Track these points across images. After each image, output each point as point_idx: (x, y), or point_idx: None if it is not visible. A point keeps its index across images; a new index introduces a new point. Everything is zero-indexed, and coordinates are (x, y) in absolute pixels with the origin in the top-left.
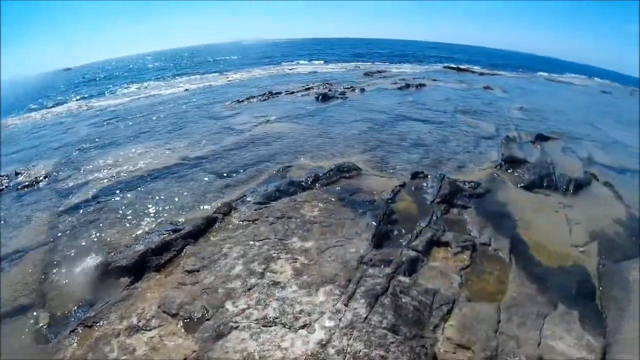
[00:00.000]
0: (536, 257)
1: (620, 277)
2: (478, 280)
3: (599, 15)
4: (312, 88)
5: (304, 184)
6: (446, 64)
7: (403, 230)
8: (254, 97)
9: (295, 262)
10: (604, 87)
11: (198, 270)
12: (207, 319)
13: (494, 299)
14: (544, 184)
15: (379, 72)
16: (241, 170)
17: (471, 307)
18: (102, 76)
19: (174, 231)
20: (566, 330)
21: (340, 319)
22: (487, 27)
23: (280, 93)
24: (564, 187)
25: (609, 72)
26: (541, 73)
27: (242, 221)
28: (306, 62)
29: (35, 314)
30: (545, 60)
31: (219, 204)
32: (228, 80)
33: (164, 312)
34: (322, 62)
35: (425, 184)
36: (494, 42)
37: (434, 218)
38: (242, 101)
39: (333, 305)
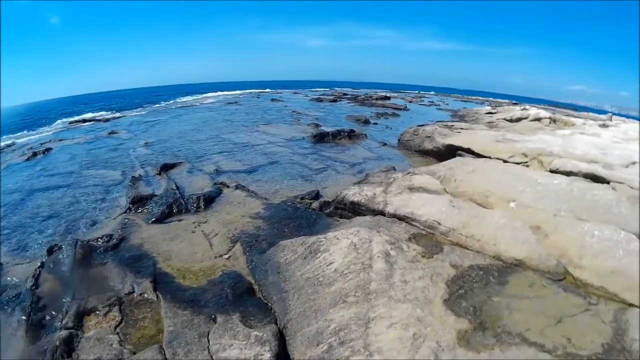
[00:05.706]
0: (183, 283)
1: (271, 264)
2: (135, 330)
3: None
4: None
5: None
6: (72, 119)
7: (54, 313)
8: None
9: None
10: (231, 98)
11: None
12: None
13: (156, 341)
14: (175, 210)
15: (8, 146)
16: None
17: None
18: None
19: None
20: (233, 337)
21: None
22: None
23: None
24: (195, 205)
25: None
26: (181, 98)
27: None
28: None
29: None
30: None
31: None
32: None
33: None
34: None
35: (62, 256)
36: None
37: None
38: None
39: None
